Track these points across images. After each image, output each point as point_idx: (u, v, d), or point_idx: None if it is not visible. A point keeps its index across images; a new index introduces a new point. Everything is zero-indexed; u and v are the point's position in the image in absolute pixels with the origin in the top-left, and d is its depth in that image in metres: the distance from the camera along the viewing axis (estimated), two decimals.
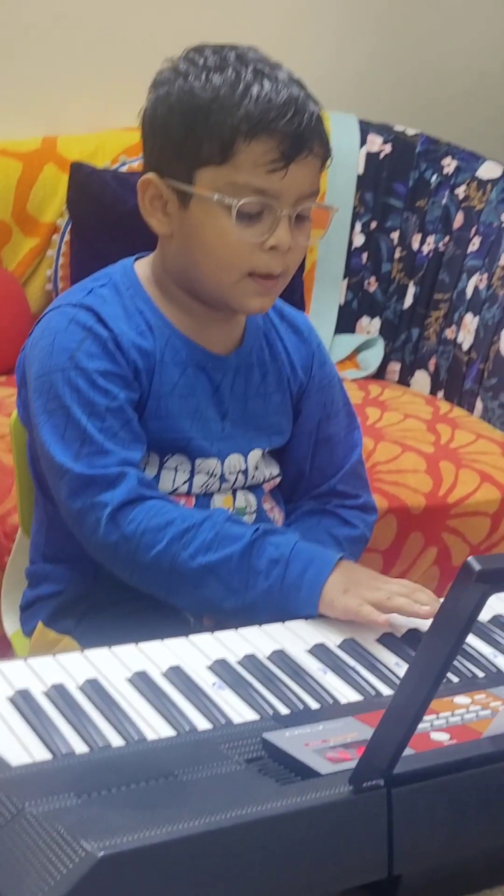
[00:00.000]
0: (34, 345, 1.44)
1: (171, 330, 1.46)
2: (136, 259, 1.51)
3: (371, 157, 2.92)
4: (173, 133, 1.38)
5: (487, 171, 2.88)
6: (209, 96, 1.36)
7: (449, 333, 2.85)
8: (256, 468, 1.53)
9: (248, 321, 1.53)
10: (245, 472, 1.52)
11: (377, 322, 2.95)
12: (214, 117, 1.35)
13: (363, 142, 2.92)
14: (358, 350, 2.92)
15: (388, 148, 2.93)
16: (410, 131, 2.95)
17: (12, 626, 1.66)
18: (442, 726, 1.07)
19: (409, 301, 2.92)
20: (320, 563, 1.37)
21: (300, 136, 1.36)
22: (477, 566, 0.85)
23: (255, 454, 1.53)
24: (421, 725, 1.05)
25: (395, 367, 2.95)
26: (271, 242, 1.38)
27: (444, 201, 2.89)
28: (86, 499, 1.37)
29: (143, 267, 1.49)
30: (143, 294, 1.46)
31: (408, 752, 0.98)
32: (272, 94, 1.35)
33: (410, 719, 0.90)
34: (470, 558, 0.85)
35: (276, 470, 1.58)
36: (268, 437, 1.54)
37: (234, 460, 1.50)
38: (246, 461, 1.51)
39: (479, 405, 2.73)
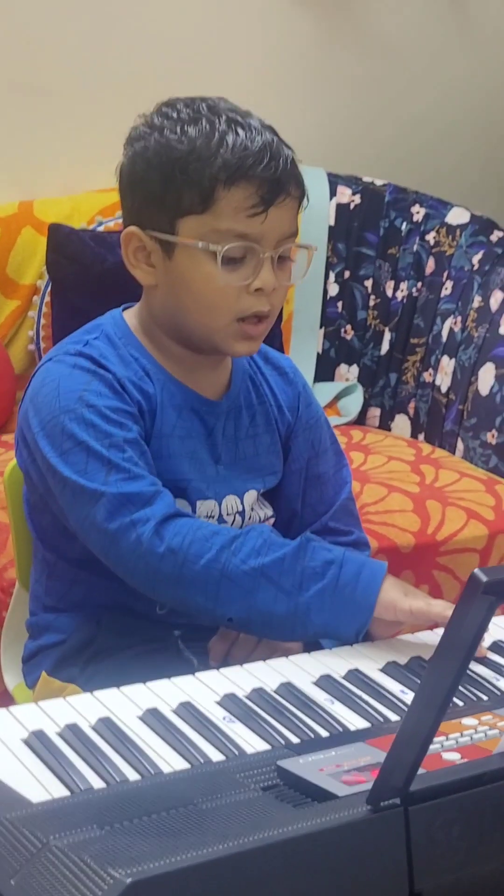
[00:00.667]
0: (35, 395, 1.45)
1: (166, 375, 1.48)
2: (123, 309, 1.53)
3: (341, 208, 2.98)
4: (153, 186, 1.42)
5: (456, 216, 2.94)
6: (186, 148, 1.40)
7: (427, 377, 2.88)
8: (252, 509, 1.55)
9: (235, 365, 1.56)
10: (242, 513, 1.54)
11: (355, 369, 2.99)
12: (193, 168, 1.39)
13: (333, 193, 2.97)
14: (338, 397, 2.96)
15: (357, 199, 2.98)
16: (378, 182, 3.01)
17: (13, 680, 1.67)
18: (452, 746, 1.09)
19: (385, 347, 2.96)
20: (373, 566, 1.38)
21: (277, 180, 1.40)
22: (483, 578, 0.87)
23: (251, 495, 1.55)
24: (432, 747, 1.07)
25: (375, 413, 2.98)
26: (257, 284, 1.41)
27: (415, 248, 2.94)
28: (124, 517, 1.36)
29: (130, 317, 1.52)
30: (136, 342, 1.49)
31: (421, 771, 0.99)
32: (247, 141, 1.39)
33: (427, 731, 0.92)
34: (476, 570, 0.87)
35: (269, 511, 1.60)
36: (261, 477, 1.57)
37: (231, 501, 1.52)
38: (242, 502, 1.53)
39: (460, 445, 2.76)
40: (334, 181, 2.99)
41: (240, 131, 1.40)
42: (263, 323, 1.45)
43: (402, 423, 2.94)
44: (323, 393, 2.90)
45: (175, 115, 1.42)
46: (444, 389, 2.83)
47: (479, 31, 3.30)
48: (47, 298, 2.68)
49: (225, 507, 1.52)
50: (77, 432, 1.39)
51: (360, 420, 2.96)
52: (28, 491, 1.55)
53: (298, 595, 1.35)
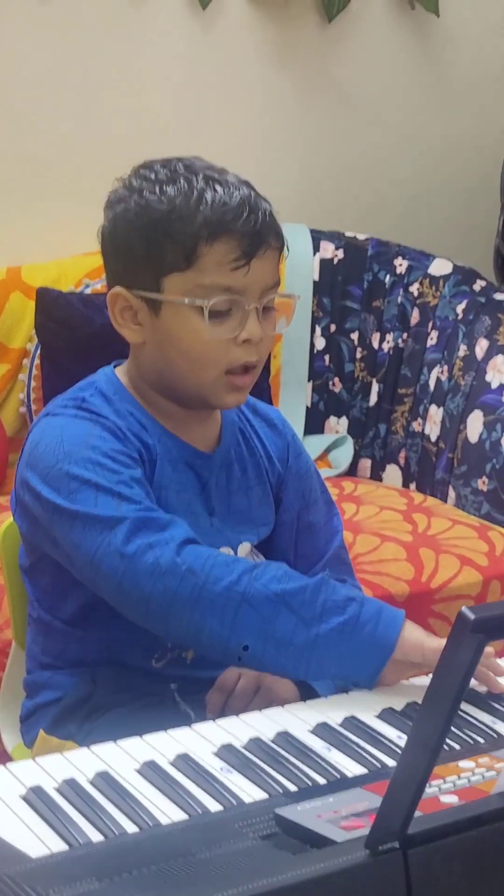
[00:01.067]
0: (35, 447, 1.46)
1: (161, 429, 1.50)
2: (114, 366, 1.55)
3: (325, 263, 3.01)
4: (136, 247, 1.44)
5: (438, 267, 2.97)
6: (166, 207, 1.42)
7: (416, 426, 2.91)
8: None
9: (224, 418, 1.57)
10: None
11: (345, 421, 3.01)
12: (174, 227, 1.42)
13: (316, 249, 3.01)
14: (328, 450, 2.98)
15: (340, 253, 3.02)
16: (361, 236, 3.05)
17: (12, 741, 1.67)
18: (450, 789, 1.09)
19: (373, 398, 2.99)
20: (393, 609, 1.38)
21: (258, 233, 1.42)
22: (471, 616, 0.88)
23: (245, 548, 1.56)
24: (429, 790, 1.07)
25: (366, 464, 3.00)
26: (244, 336, 1.43)
27: (399, 300, 2.98)
28: (143, 539, 1.35)
29: (121, 374, 1.54)
30: (129, 397, 1.50)
31: (419, 814, 1.00)
32: (226, 197, 1.42)
33: (421, 773, 0.92)
34: (464, 608, 0.88)
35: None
36: (255, 529, 1.58)
37: (225, 553, 1.53)
38: (236, 555, 1.54)
39: (451, 493, 2.78)
40: (317, 237, 3.03)
41: (217, 188, 1.43)
42: (250, 374, 1.47)
43: (393, 473, 2.96)
44: (313, 445, 2.92)
45: (153, 176, 1.45)
46: (433, 438, 2.85)
47: (453, 86, 3.36)
48: (37, 361, 2.70)
49: None
50: (83, 473, 1.40)
51: (352, 471, 2.98)
52: (25, 552, 1.56)
53: (318, 626, 1.34)
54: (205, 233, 1.41)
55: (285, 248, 1.48)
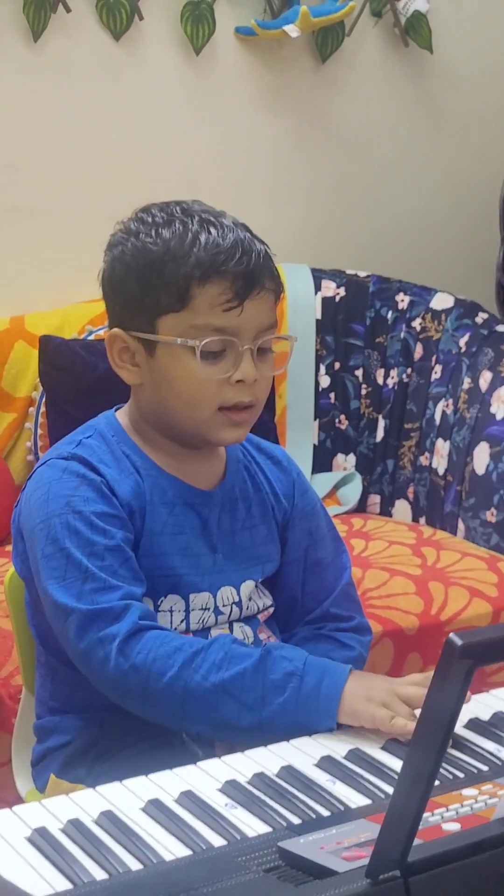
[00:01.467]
0: (28, 498, 1.49)
1: (158, 471, 1.51)
2: (115, 410, 1.58)
3: (327, 302, 3.04)
4: (132, 288, 1.47)
5: (440, 302, 2.99)
6: (161, 249, 1.45)
7: (423, 460, 2.92)
8: (250, 599, 1.57)
9: (229, 455, 1.59)
10: (239, 603, 1.55)
11: (352, 458, 3.02)
12: (168, 268, 1.44)
13: (318, 288, 3.04)
14: (337, 487, 2.99)
15: (342, 291, 3.05)
16: (362, 273, 3.07)
17: (25, 786, 1.67)
18: (452, 817, 1.09)
19: (380, 434, 3.00)
20: (335, 672, 1.39)
21: (250, 274, 1.44)
22: (459, 641, 0.89)
23: (248, 586, 1.57)
24: (431, 818, 1.08)
25: (375, 500, 3.01)
26: (237, 377, 1.45)
27: (402, 335, 3.00)
28: (93, 634, 1.39)
29: (122, 416, 1.56)
30: (128, 440, 1.52)
31: (421, 842, 1.00)
32: (219, 239, 1.44)
33: (418, 800, 0.93)
34: (451, 634, 0.89)
35: (269, 600, 1.61)
36: (259, 566, 1.58)
37: (227, 592, 1.54)
38: (239, 593, 1.55)
39: (461, 526, 2.78)
40: (318, 276, 3.06)
41: (212, 230, 1.45)
42: (248, 411, 1.49)
43: (402, 508, 2.96)
44: (321, 483, 2.93)
45: (150, 219, 1.48)
46: (441, 472, 2.86)
47: (449, 122, 3.39)
48: (43, 409, 2.73)
49: (220, 598, 1.53)
50: (61, 538, 1.43)
51: (361, 508, 2.98)
52: (29, 595, 1.57)
53: (261, 710, 1.37)
54: (197, 273, 1.43)
55: (283, 291, 1.50)
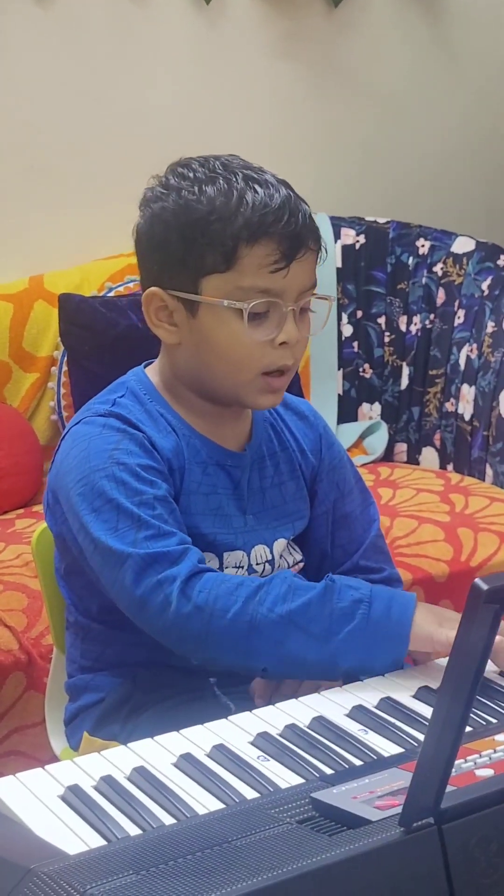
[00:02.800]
0: (65, 456, 1.47)
1: (190, 430, 1.50)
2: (145, 366, 1.56)
3: (347, 250, 3.01)
4: (174, 248, 1.43)
5: (461, 245, 2.96)
6: (206, 208, 1.41)
7: (449, 406, 2.89)
8: (282, 556, 1.56)
9: (255, 415, 1.57)
10: (271, 561, 1.55)
11: (377, 407, 3.00)
12: (214, 228, 1.41)
13: (337, 236, 3.01)
14: (363, 436, 2.97)
15: (362, 238, 3.02)
16: (381, 220, 3.04)
17: (60, 745, 1.68)
18: (485, 763, 1.08)
19: (405, 382, 2.98)
20: (402, 599, 1.38)
21: (297, 235, 1.41)
22: (484, 587, 0.88)
23: (280, 544, 1.56)
24: (465, 765, 1.07)
25: (401, 448, 2.99)
26: (282, 338, 1.43)
27: (423, 281, 2.97)
28: (151, 577, 1.37)
29: (153, 374, 1.54)
30: (160, 398, 1.51)
31: (454, 789, 0.99)
32: (266, 198, 1.41)
33: (449, 746, 0.92)
34: (477, 579, 0.88)
35: (299, 556, 1.61)
36: (290, 524, 1.58)
37: (260, 551, 1.53)
38: (271, 551, 1.55)
39: (489, 471, 2.76)
40: (337, 224, 3.03)
41: (258, 189, 1.42)
42: (286, 375, 1.47)
43: (429, 456, 2.95)
44: (347, 433, 2.92)
45: (191, 174, 1.44)
46: (467, 417, 2.83)
47: (467, 66, 3.34)
48: (65, 368, 2.72)
49: (254, 556, 1.53)
50: (108, 490, 1.40)
51: (388, 457, 2.97)
52: (59, 557, 1.57)
53: (329, 640, 1.35)
54: (245, 235, 1.40)
55: (323, 249, 1.47)
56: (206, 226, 1.41)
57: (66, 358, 2.69)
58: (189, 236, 1.42)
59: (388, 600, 1.37)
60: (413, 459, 2.97)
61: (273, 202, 1.41)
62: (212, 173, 1.43)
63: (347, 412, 2.99)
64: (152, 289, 1.46)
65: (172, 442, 1.48)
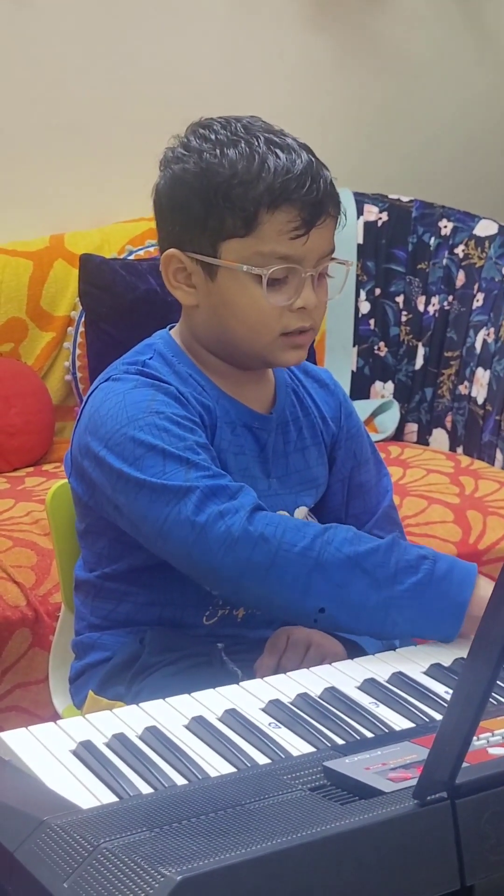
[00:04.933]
0: (96, 410, 1.45)
1: (219, 391, 1.50)
2: (169, 329, 1.55)
3: (369, 227, 3.00)
4: (194, 210, 1.43)
5: (484, 228, 2.95)
6: (227, 172, 1.40)
7: (462, 389, 2.89)
8: None
9: (277, 379, 1.57)
10: None
11: (390, 385, 3.00)
12: (236, 192, 1.40)
13: (360, 212, 3.00)
14: (374, 414, 2.97)
15: (384, 216, 3.00)
16: (405, 198, 3.03)
17: (63, 703, 1.68)
18: (498, 742, 1.09)
19: (419, 362, 2.97)
20: (465, 564, 1.37)
21: (319, 202, 1.41)
22: None
23: (301, 511, 1.56)
24: (478, 743, 1.07)
25: (412, 428, 2.99)
26: (300, 304, 1.42)
27: (444, 262, 2.96)
28: (214, 506, 1.35)
29: (176, 335, 1.53)
30: (187, 360, 1.50)
31: (468, 765, 0.99)
32: (288, 164, 1.40)
33: (469, 722, 0.92)
34: None
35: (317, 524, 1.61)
36: (313, 489, 1.58)
37: None
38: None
39: (499, 456, 2.76)
40: (360, 200, 3.02)
41: (280, 154, 1.41)
42: (308, 333, 1.47)
43: (440, 437, 2.94)
44: (359, 410, 2.88)
45: (213, 136, 1.43)
46: (480, 401, 2.83)
47: (497, 42, 3.31)
48: (81, 329, 2.71)
49: None
50: (149, 439, 1.39)
51: (398, 436, 2.97)
52: (80, 516, 1.55)
53: (392, 587, 1.34)
54: (267, 200, 1.39)
55: (342, 215, 1.47)
56: (228, 190, 1.40)
57: (83, 318, 2.69)
58: (210, 200, 1.41)
59: (452, 562, 1.37)
60: (423, 440, 2.96)
61: (295, 168, 1.40)
62: (234, 136, 1.42)
63: (360, 389, 2.99)
64: (171, 250, 1.46)
65: (204, 400, 1.47)
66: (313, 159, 1.43)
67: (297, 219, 1.40)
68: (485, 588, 1.36)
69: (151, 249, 2.77)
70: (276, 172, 1.39)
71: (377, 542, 1.36)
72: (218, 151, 1.42)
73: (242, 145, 1.41)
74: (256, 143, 1.41)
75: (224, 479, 1.38)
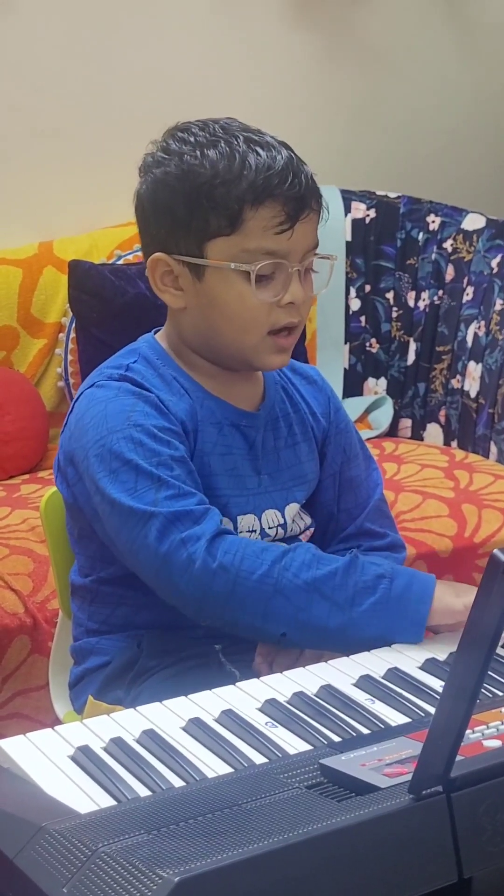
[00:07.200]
0: (80, 418, 1.47)
1: (204, 392, 1.51)
2: (154, 333, 1.56)
3: (357, 224, 3.00)
4: (178, 212, 1.44)
5: (471, 222, 2.95)
6: (209, 172, 1.42)
7: (455, 383, 2.89)
8: (293, 521, 1.58)
9: (266, 377, 1.58)
10: (283, 525, 1.56)
11: (383, 382, 3.01)
12: (218, 192, 1.41)
13: (347, 210, 3.00)
14: (368, 411, 2.97)
15: (372, 213, 3.01)
16: (392, 194, 3.03)
17: (63, 708, 1.69)
18: (493, 734, 1.09)
19: (411, 357, 2.98)
20: (422, 577, 1.40)
21: (302, 196, 1.42)
22: (503, 558, 0.88)
23: (292, 508, 1.57)
24: (472, 736, 1.08)
25: (406, 424, 2.99)
26: (288, 299, 1.44)
27: (433, 257, 2.96)
28: (175, 535, 1.37)
29: (161, 339, 1.54)
30: (172, 363, 1.51)
31: (462, 758, 1.00)
32: (269, 160, 1.42)
33: (461, 716, 0.93)
34: (496, 550, 0.88)
35: (310, 520, 1.62)
36: (304, 486, 1.59)
37: (272, 515, 1.54)
38: (283, 515, 1.55)
39: (493, 449, 2.77)
40: (348, 197, 3.02)
41: (260, 151, 1.42)
42: (293, 334, 1.48)
43: (434, 432, 2.95)
44: (352, 407, 2.92)
45: (192, 139, 1.44)
46: (473, 395, 2.84)
47: (479, 36, 3.32)
48: (73, 335, 2.72)
49: (265, 520, 1.54)
50: (125, 452, 1.41)
51: (392, 432, 2.97)
52: (71, 521, 1.57)
53: (351, 609, 1.36)
54: (250, 197, 1.40)
55: (324, 210, 1.48)
56: (211, 190, 1.41)
57: (74, 324, 2.69)
58: (193, 200, 1.42)
59: (410, 577, 1.39)
60: (417, 435, 2.97)
61: (276, 164, 1.41)
62: (213, 136, 1.44)
63: (353, 386, 2.99)
64: (157, 254, 1.47)
65: (186, 404, 1.48)
66: (293, 155, 1.45)
67: (282, 213, 1.41)
68: (442, 597, 1.38)
69: (140, 254, 2.77)
70: (257, 169, 1.41)
71: (335, 565, 1.38)
72: (198, 153, 1.43)
73: (222, 145, 1.43)
74: (236, 143, 1.43)
75: (190, 501, 1.39)
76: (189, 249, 1.44)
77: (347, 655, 1.36)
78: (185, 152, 1.44)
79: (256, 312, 1.44)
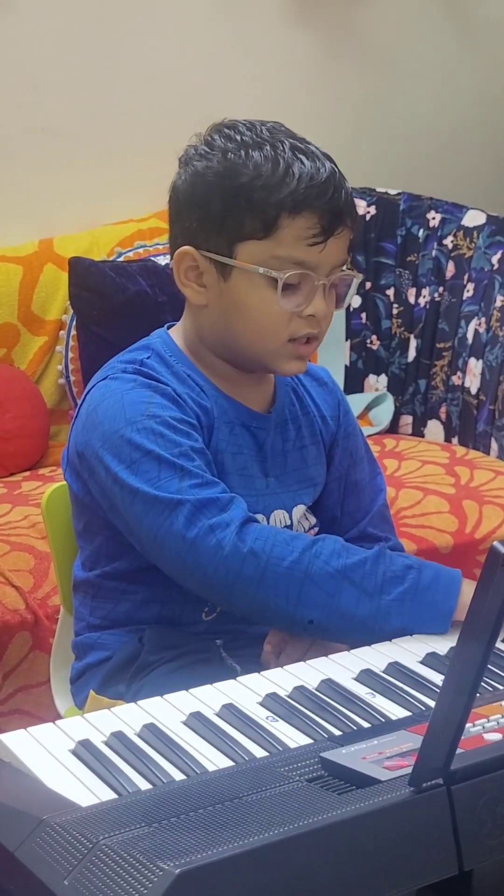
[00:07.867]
0: (93, 410, 1.46)
1: (217, 391, 1.50)
2: (168, 328, 1.56)
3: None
4: (214, 209, 1.43)
5: (471, 219, 2.95)
6: (251, 174, 1.41)
7: (455, 380, 2.90)
8: (299, 522, 1.58)
9: (277, 379, 1.58)
10: (290, 526, 1.56)
11: (384, 378, 3.01)
12: (258, 195, 1.40)
13: None
14: (368, 408, 2.98)
15: (372, 210, 3.01)
16: (392, 191, 3.03)
17: (64, 704, 1.69)
18: (493, 727, 1.10)
19: (412, 354, 2.98)
20: (450, 571, 1.41)
21: (339, 212, 1.41)
22: (503, 550, 0.88)
23: (299, 510, 1.57)
24: (473, 729, 1.08)
25: (407, 420, 3.00)
26: (310, 311, 1.43)
27: (433, 253, 2.96)
28: (204, 521, 1.37)
29: (176, 335, 1.54)
30: (186, 360, 1.51)
31: (463, 751, 1.00)
32: (313, 171, 1.41)
33: (461, 708, 0.93)
34: (495, 543, 0.89)
35: (314, 520, 1.63)
36: (310, 489, 1.59)
37: (279, 515, 1.54)
38: (291, 517, 1.56)
39: (494, 445, 2.77)
40: None
41: (305, 160, 1.41)
42: (313, 343, 1.47)
43: (434, 429, 2.95)
44: (354, 404, 2.91)
45: (238, 137, 1.43)
46: (473, 391, 2.84)
47: (479, 33, 3.32)
48: (73, 332, 2.72)
49: (273, 520, 1.54)
50: (145, 443, 1.40)
51: (393, 429, 2.98)
52: (76, 515, 1.56)
53: (380, 597, 1.37)
54: (289, 205, 1.40)
55: (358, 227, 1.47)
56: (250, 192, 1.40)
57: (74, 322, 2.69)
58: (231, 199, 1.41)
59: (437, 570, 1.41)
60: (418, 432, 2.97)
61: (319, 175, 1.41)
62: (259, 138, 1.43)
63: (354, 383, 3.00)
64: (185, 247, 1.46)
65: (202, 400, 1.48)
66: (336, 169, 1.44)
67: (317, 226, 1.40)
68: (469, 593, 1.37)
69: (140, 251, 2.78)
70: (300, 178, 1.40)
71: (364, 554, 1.39)
72: (242, 153, 1.42)
73: (268, 148, 1.42)
74: (281, 148, 1.42)
75: (216, 490, 1.40)
76: (219, 247, 1.43)
77: (349, 650, 1.37)
78: (229, 150, 1.42)
79: (277, 319, 1.43)
